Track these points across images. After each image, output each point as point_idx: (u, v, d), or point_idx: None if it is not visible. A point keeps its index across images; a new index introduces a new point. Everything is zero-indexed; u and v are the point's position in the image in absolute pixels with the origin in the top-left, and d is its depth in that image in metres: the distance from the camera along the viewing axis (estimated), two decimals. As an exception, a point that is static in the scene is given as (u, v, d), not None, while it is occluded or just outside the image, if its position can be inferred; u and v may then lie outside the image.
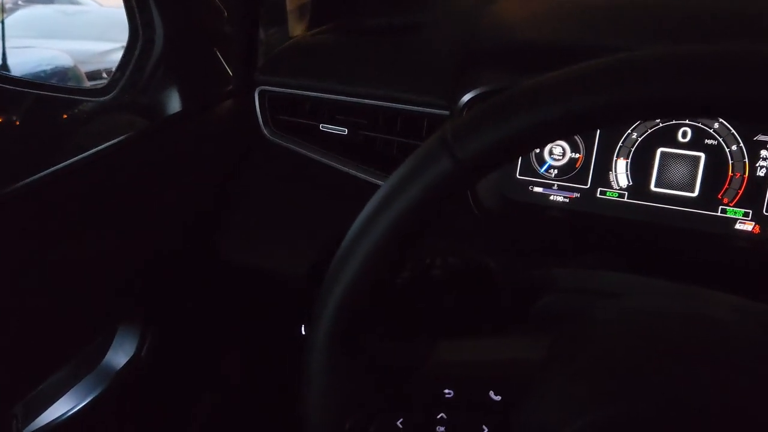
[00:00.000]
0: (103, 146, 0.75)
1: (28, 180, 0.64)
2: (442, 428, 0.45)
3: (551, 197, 0.78)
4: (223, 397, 0.83)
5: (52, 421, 0.62)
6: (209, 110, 0.86)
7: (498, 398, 0.45)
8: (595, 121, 0.36)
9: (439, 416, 0.46)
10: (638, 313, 0.51)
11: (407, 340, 0.48)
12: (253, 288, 0.75)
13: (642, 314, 0.51)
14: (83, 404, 0.64)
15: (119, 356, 0.67)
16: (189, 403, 0.79)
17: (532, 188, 0.79)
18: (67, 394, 0.65)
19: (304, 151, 0.80)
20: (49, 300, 0.59)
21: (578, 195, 0.77)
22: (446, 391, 0.45)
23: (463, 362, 0.47)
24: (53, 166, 0.67)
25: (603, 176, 0.76)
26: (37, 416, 0.62)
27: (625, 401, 0.43)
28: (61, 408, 0.63)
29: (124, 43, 0.91)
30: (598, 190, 0.77)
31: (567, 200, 0.78)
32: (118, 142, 0.76)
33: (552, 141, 0.38)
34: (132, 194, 0.71)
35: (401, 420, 0.45)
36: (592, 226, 0.77)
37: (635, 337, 0.47)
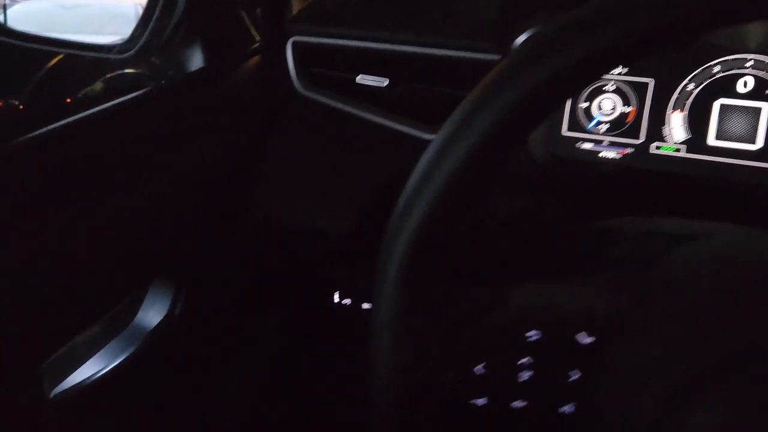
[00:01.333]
0: (127, 97, 0.71)
1: (49, 127, 0.60)
2: (528, 373, 0.41)
3: (602, 153, 0.74)
4: (255, 359, 0.79)
5: (82, 381, 0.58)
6: (238, 66, 0.81)
7: (589, 340, 0.41)
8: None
9: (522, 361, 0.42)
10: (727, 255, 0.47)
11: (486, 284, 0.44)
12: (289, 247, 0.71)
13: (730, 256, 0.47)
14: (114, 365, 0.59)
15: (151, 316, 0.63)
16: (221, 367, 0.75)
17: (580, 144, 0.75)
18: (97, 354, 0.61)
19: (339, 105, 0.76)
20: (78, 255, 0.55)
21: (631, 150, 0.73)
22: (531, 333, 0.41)
23: (549, 304, 0.43)
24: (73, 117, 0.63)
25: (657, 130, 0.72)
26: (67, 376, 0.58)
27: (723, 344, 0.39)
28: (91, 368, 0.59)
29: (124, 36, 0.87)
30: (653, 145, 0.73)
31: (619, 156, 0.74)
32: (141, 95, 0.72)
33: (639, 56, 0.34)
34: (159, 150, 0.67)
35: (482, 366, 0.42)
36: (647, 182, 0.73)
37: (728, 280, 0.44)
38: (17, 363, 0.50)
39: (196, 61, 0.88)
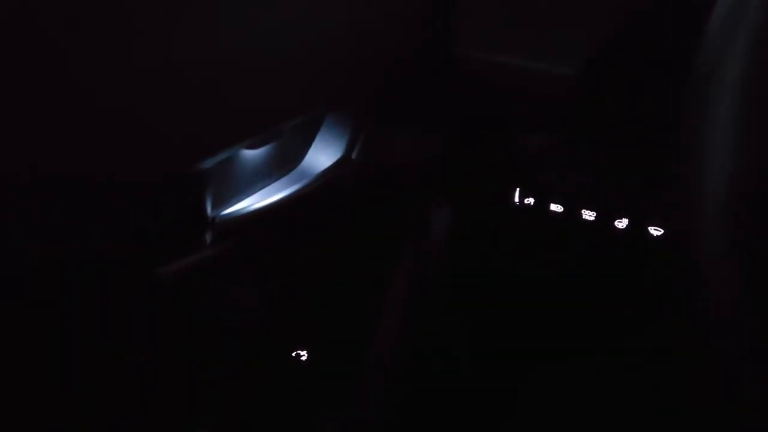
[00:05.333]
0: None
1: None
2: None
3: None
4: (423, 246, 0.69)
5: (247, 207, 0.50)
6: None
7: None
8: None
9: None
10: None
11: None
12: (495, 93, 0.58)
13: None
14: (280, 200, 0.51)
15: (325, 155, 0.54)
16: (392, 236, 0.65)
17: None
18: (266, 188, 0.53)
19: None
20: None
21: None
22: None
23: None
24: None
25: None
26: (233, 205, 0.50)
27: None
28: (257, 199, 0.52)
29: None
30: None
31: None
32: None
33: None
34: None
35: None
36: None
37: None
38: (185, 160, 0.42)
39: None
